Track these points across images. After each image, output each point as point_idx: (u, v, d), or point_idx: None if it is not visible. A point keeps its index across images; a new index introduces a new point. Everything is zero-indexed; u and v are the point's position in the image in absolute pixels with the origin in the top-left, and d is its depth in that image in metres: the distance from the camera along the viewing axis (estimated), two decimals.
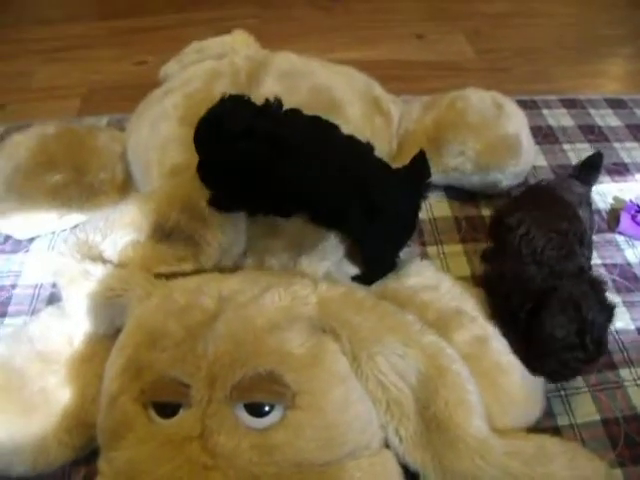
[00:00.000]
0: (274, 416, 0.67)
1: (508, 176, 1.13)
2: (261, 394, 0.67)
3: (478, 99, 1.15)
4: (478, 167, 1.11)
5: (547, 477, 0.75)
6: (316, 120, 0.87)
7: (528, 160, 1.14)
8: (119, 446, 0.69)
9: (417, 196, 0.92)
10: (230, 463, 0.64)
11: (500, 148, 1.10)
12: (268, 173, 0.80)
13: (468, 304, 0.90)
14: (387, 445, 0.77)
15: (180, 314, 0.74)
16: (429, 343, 0.79)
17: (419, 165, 0.92)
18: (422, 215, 1.14)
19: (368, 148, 0.89)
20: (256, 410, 0.67)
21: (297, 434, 0.66)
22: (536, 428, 0.86)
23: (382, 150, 1.11)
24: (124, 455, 0.68)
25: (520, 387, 0.84)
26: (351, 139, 0.89)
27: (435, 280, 0.94)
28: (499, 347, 0.85)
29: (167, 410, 0.69)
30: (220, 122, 0.79)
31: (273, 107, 0.84)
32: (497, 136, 1.11)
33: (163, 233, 0.87)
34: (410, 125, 1.17)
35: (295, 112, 0.86)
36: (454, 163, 1.11)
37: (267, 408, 0.67)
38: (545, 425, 0.89)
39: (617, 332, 1.00)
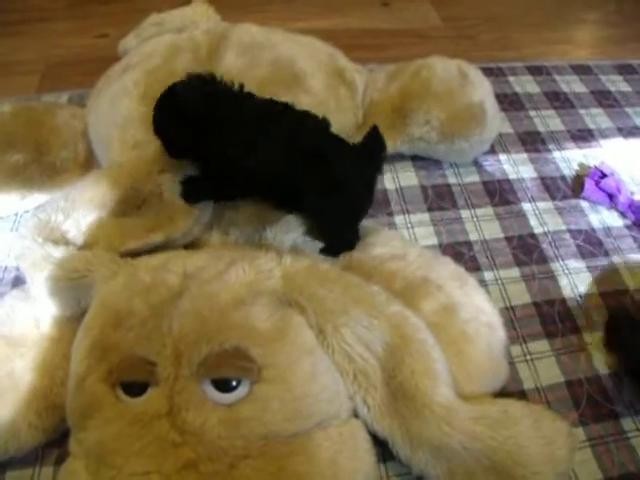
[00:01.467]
0: (241, 391, 0.67)
1: (473, 144, 1.13)
2: (227, 369, 0.68)
3: (443, 68, 1.15)
4: (443, 136, 1.11)
5: (512, 439, 0.77)
6: (269, 102, 0.87)
7: (493, 128, 1.15)
8: (88, 426, 0.70)
9: (374, 170, 0.92)
10: (199, 439, 0.65)
11: (465, 117, 1.10)
12: (219, 158, 0.81)
13: (435, 273, 0.91)
14: (356, 415, 0.78)
15: (145, 293, 0.73)
16: (394, 313, 0.79)
17: (374, 139, 0.92)
18: (389, 185, 1.15)
19: (324, 124, 0.89)
20: (223, 385, 0.67)
21: (264, 407, 0.67)
22: (502, 393, 0.88)
23: (347, 121, 1.10)
24: (94, 435, 0.69)
25: (486, 354, 0.85)
26: (305, 116, 0.88)
27: (402, 249, 0.94)
28: (465, 315, 0.86)
29: (135, 389, 0.69)
30: (175, 104, 0.79)
31: (227, 88, 0.83)
32: (462, 105, 1.11)
33: (130, 205, 0.86)
34: (375, 95, 1.16)
35: (249, 94, 0.86)
36: (419, 132, 1.11)
37: (234, 383, 0.67)
38: (511, 389, 0.91)
39: (581, 297, 1.02)
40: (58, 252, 0.81)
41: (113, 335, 0.71)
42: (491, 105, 1.14)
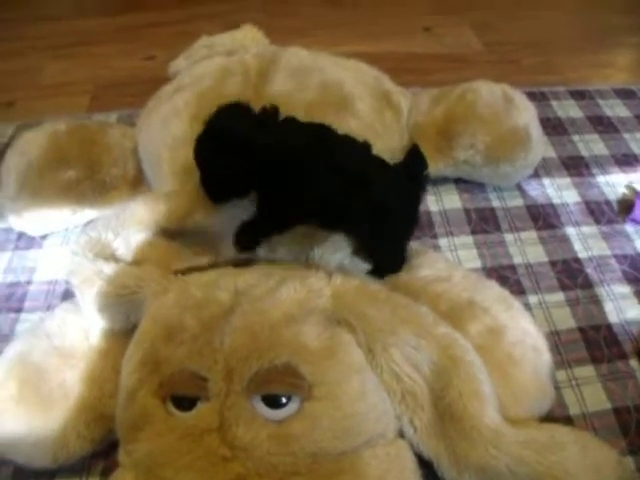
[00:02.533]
0: (291, 407, 0.68)
1: (518, 168, 1.14)
2: (278, 386, 0.68)
3: (488, 91, 1.15)
4: (488, 159, 1.11)
5: (559, 465, 0.75)
6: (312, 126, 0.87)
7: (538, 152, 1.15)
8: (138, 438, 0.71)
9: (418, 189, 0.93)
10: (248, 454, 0.66)
11: (510, 140, 1.11)
12: (270, 186, 0.81)
13: (480, 295, 0.91)
14: (401, 435, 0.78)
15: (196, 308, 0.75)
16: (442, 334, 0.79)
17: (415, 158, 0.92)
18: (432, 207, 1.15)
19: (365, 147, 0.89)
20: (273, 402, 0.68)
21: (314, 425, 0.67)
22: (548, 418, 0.87)
23: (394, 144, 1.11)
24: (144, 447, 0.70)
25: (532, 378, 0.85)
26: (347, 139, 0.88)
27: (447, 271, 0.94)
28: (511, 338, 0.86)
29: (185, 403, 0.70)
30: (219, 136, 0.80)
31: (271, 116, 0.84)
32: (507, 128, 1.11)
33: (176, 231, 0.88)
34: (420, 118, 1.17)
35: (291, 120, 0.87)
36: (464, 156, 1.12)
37: (284, 400, 0.68)
38: (557, 415, 0.90)
39: (627, 322, 1.01)
40: (109, 268, 0.83)
41: (164, 349, 0.72)
42: (536, 129, 1.14)
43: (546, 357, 0.88)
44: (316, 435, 0.67)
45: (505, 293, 0.94)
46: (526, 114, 1.14)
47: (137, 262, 0.86)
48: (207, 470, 0.66)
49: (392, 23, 1.70)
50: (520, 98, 1.16)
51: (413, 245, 1.01)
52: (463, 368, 0.78)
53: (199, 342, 0.71)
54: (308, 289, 0.77)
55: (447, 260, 1.00)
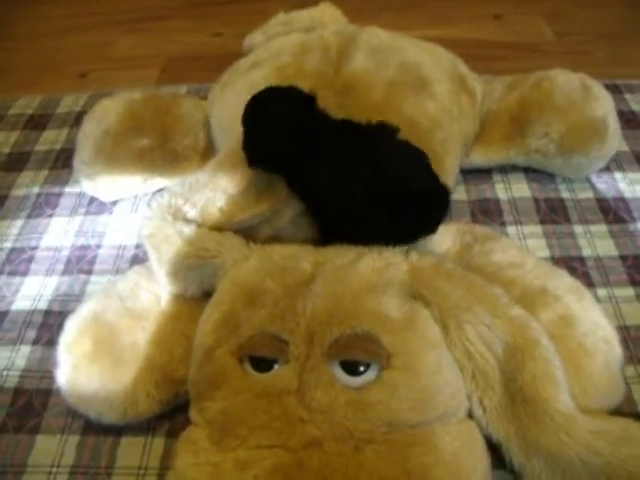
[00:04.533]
0: (369, 375, 0.68)
1: (592, 160, 1.12)
2: (358, 352, 0.69)
3: (565, 80, 1.13)
4: (562, 150, 1.10)
5: (634, 459, 0.74)
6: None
7: (613, 145, 1.13)
8: (213, 396, 0.72)
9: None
10: (325, 417, 0.66)
11: (586, 131, 1.09)
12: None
13: (552, 283, 0.90)
14: (471, 416, 0.78)
15: (278, 274, 0.76)
16: (517, 316, 0.79)
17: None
18: (501, 195, 1.14)
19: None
20: (352, 368, 0.68)
21: (391, 393, 0.68)
22: (617, 413, 0.85)
23: (469, 128, 1.11)
24: (219, 405, 0.71)
25: (603, 370, 0.83)
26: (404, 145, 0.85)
27: (519, 258, 0.93)
28: (583, 329, 0.85)
29: (264, 365, 0.71)
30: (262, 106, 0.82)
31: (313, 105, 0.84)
32: (584, 119, 1.09)
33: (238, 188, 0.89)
34: (493, 105, 1.16)
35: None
36: (537, 144, 1.10)
37: (362, 368, 0.68)
38: (626, 411, 0.88)
39: None
40: (190, 229, 0.84)
41: (245, 311, 0.73)
42: (613, 121, 1.11)
43: (617, 351, 0.87)
44: (393, 404, 0.68)
45: (577, 283, 0.93)
46: (604, 105, 1.11)
47: (206, 221, 0.87)
48: (283, 431, 0.66)
49: (462, 8, 1.68)
50: (598, 88, 1.14)
51: (486, 231, 1.00)
52: (538, 351, 0.77)
53: (281, 305, 0.72)
54: (386, 262, 0.78)
55: (519, 247, 0.99)
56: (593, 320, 0.88)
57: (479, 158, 1.13)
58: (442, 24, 1.62)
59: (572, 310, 0.87)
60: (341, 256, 0.79)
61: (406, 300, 0.74)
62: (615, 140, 1.13)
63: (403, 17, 1.64)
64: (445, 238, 0.97)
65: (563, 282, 0.92)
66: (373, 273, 0.75)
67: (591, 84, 1.14)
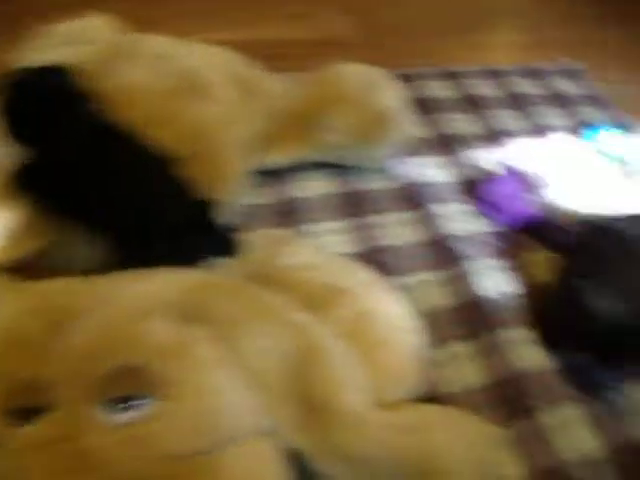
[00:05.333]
0: (142, 409, 0.63)
1: (384, 149, 1.13)
2: (127, 388, 0.63)
3: (352, 73, 1.14)
4: (354, 142, 1.10)
5: (427, 446, 0.75)
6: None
7: (403, 132, 1.14)
8: None
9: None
10: (98, 463, 0.60)
11: (375, 121, 1.09)
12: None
13: (346, 280, 0.89)
14: (266, 431, 0.74)
15: (39, 311, 0.68)
16: (298, 323, 0.77)
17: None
18: (299, 193, 1.12)
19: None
20: (123, 404, 0.62)
21: (167, 426, 0.62)
22: (424, 398, 0.85)
23: (256, 130, 1.07)
24: None
25: (401, 360, 0.83)
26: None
27: (312, 258, 0.91)
28: (379, 322, 0.84)
29: (27, 415, 0.63)
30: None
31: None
32: (371, 109, 1.09)
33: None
34: (285, 103, 1.14)
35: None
36: (330, 139, 1.09)
37: (135, 401, 0.63)
38: (435, 394, 0.89)
39: (500, 294, 1.02)
40: None
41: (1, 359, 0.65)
42: (400, 109, 1.13)
43: (416, 339, 0.87)
44: (170, 436, 0.62)
45: (372, 276, 0.92)
46: (391, 95, 1.13)
47: None
48: None
49: (259, 9, 1.66)
50: (385, 79, 1.15)
51: (278, 232, 0.97)
52: (320, 355, 0.75)
53: (41, 346, 0.65)
54: (157, 286, 0.72)
55: (312, 246, 0.97)
56: (389, 312, 0.88)
57: (275, 158, 1.11)
58: (240, 26, 1.58)
59: (367, 305, 0.86)
60: (108, 284, 0.73)
61: (178, 323, 0.69)
62: (405, 128, 1.15)
63: (200, 23, 1.58)
64: (239, 246, 0.94)
65: (358, 277, 0.91)
66: (141, 300, 0.70)
67: (378, 75, 1.15)
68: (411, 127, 1.18)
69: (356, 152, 1.12)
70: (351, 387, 0.75)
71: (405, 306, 0.90)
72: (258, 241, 0.94)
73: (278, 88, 1.16)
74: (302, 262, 0.90)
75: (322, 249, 0.99)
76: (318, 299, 0.85)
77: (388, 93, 1.13)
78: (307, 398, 0.73)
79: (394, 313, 0.88)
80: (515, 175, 1.13)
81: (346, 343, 0.81)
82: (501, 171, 1.13)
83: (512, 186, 1.12)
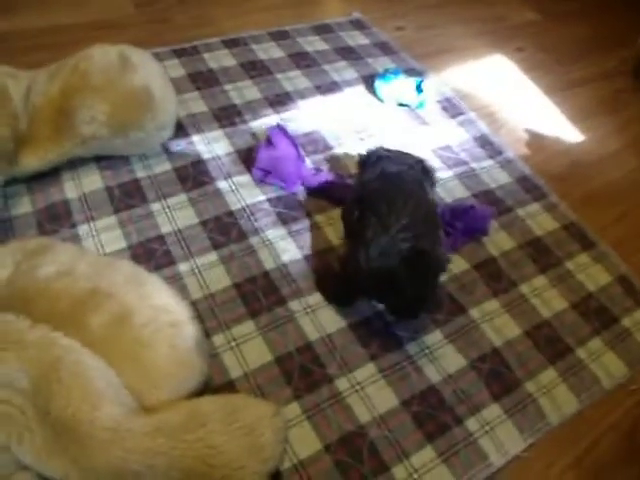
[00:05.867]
0: None
1: (150, 132, 1.06)
2: None
3: (101, 56, 1.05)
4: (114, 129, 1.02)
5: (200, 442, 0.71)
6: None
7: (167, 111, 1.07)
8: None
9: None
10: None
11: (130, 105, 1.02)
12: None
13: (106, 281, 0.82)
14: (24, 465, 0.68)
15: None
16: (37, 340, 0.70)
17: None
18: (70, 194, 1.05)
19: None
20: None
21: None
22: (208, 388, 0.82)
23: (4, 134, 0.97)
24: None
25: (168, 357, 0.78)
26: None
27: (70, 264, 0.84)
28: (140, 320, 0.78)
29: None
30: None
31: None
32: (124, 92, 1.02)
33: None
34: (38, 99, 1.04)
35: None
36: (89, 131, 1.01)
37: None
38: (218, 382, 0.85)
39: (284, 265, 0.98)
40: None
41: None
42: (159, 87, 1.06)
43: (188, 330, 0.82)
44: None
45: (137, 271, 0.86)
46: (145, 73, 1.05)
47: None
48: None
49: None
50: (139, 57, 1.07)
51: (38, 241, 0.89)
52: (66, 371, 0.69)
53: None
54: None
55: (74, 250, 0.88)
56: (154, 307, 0.81)
57: (32, 162, 1.02)
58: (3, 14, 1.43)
59: (127, 304, 0.80)
60: None
61: None
62: (168, 106, 1.08)
63: None
64: None
65: (120, 275, 0.84)
66: None
67: (130, 54, 1.07)
68: (176, 105, 1.11)
69: (122, 141, 1.03)
70: (107, 399, 0.69)
71: (176, 297, 0.84)
72: (12, 255, 0.85)
73: (33, 83, 1.05)
74: (61, 270, 0.82)
75: (83, 251, 0.91)
76: (73, 308, 0.79)
77: (142, 72, 1.05)
78: (58, 420, 0.67)
79: (163, 308, 0.82)
80: (288, 138, 1.09)
81: (103, 350, 0.75)
82: (275, 136, 1.08)
83: (286, 151, 1.08)
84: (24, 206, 1.01)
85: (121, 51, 1.07)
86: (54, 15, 1.48)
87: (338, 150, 1.20)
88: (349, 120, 1.28)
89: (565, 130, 1.41)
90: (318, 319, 0.93)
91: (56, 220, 0.99)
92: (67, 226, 0.99)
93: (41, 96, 1.04)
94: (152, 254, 0.96)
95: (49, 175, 1.05)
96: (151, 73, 1.07)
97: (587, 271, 1.09)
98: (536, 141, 1.36)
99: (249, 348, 0.89)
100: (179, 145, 1.14)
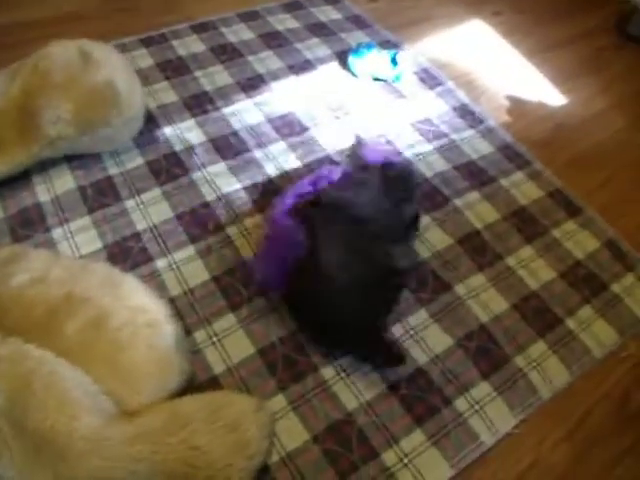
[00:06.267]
0: None
1: (118, 127, 1.03)
2: None
3: (61, 53, 1.02)
4: (80, 128, 1.00)
5: (183, 443, 0.70)
6: None
7: (133, 104, 1.05)
8: None
9: None
10: None
11: (94, 101, 1.00)
12: None
13: (81, 285, 0.81)
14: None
15: None
16: (8, 354, 0.69)
17: None
18: (43, 197, 1.02)
19: None
20: None
21: None
22: (193, 386, 0.81)
23: None
24: None
25: (147, 358, 0.77)
26: None
27: (43, 270, 0.82)
28: (116, 323, 0.77)
29: None
30: None
31: None
32: (88, 89, 1.00)
33: None
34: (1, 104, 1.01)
35: None
36: (55, 131, 0.99)
37: None
38: (202, 379, 0.84)
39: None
40: None
41: None
42: (124, 81, 1.03)
43: (166, 329, 0.81)
44: None
45: (114, 273, 0.85)
46: (107, 68, 1.02)
47: None
48: None
49: None
50: (100, 51, 1.05)
51: (13, 249, 0.87)
52: (40, 383, 0.68)
53: None
54: None
55: (47, 256, 0.86)
56: (131, 308, 0.80)
57: (0, 167, 0.98)
58: None
59: (103, 307, 0.79)
60: None
61: None
62: (134, 99, 1.05)
63: None
64: None
65: (95, 278, 0.83)
66: None
67: (91, 49, 1.04)
68: (143, 97, 1.08)
69: (90, 138, 1.01)
70: (84, 409, 0.68)
71: (153, 296, 0.83)
72: None
73: None
74: (35, 277, 0.81)
75: (56, 255, 0.89)
76: (48, 315, 0.77)
77: (104, 67, 1.03)
78: (35, 434, 0.66)
79: (139, 308, 0.81)
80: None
81: (80, 356, 0.74)
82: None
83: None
84: None
85: (81, 46, 1.05)
86: (16, 11, 1.43)
87: (314, 130, 1.17)
88: (324, 99, 1.25)
89: (547, 94, 1.38)
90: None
91: (29, 225, 0.97)
92: (41, 230, 0.97)
93: (1, 98, 1.01)
94: (128, 253, 0.94)
95: (19, 179, 1.03)
96: (114, 67, 1.04)
97: (574, 238, 1.07)
98: (517, 107, 1.33)
99: (231, 342, 0.87)
100: (150, 138, 1.12)
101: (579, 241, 1.06)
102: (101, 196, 1.02)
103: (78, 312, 0.78)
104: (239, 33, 1.39)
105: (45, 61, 1.02)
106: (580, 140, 1.27)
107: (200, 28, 1.39)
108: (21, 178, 1.03)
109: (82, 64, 1.01)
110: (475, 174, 1.14)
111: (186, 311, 0.89)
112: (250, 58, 1.32)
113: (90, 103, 1.00)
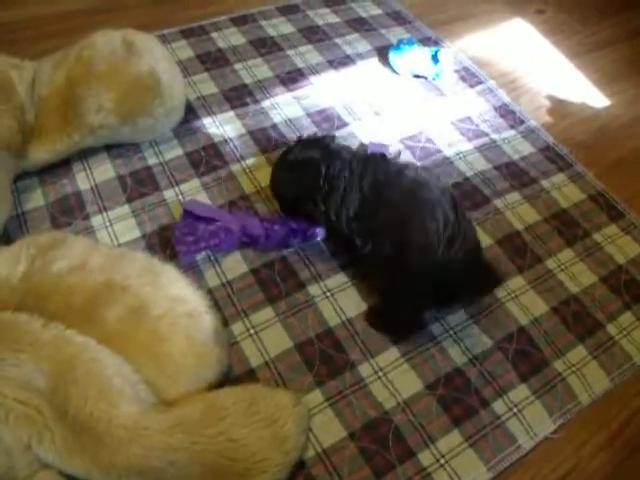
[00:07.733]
0: None
1: (160, 117, 1.03)
2: None
3: (104, 43, 1.02)
4: (123, 118, 1.00)
5: (221, 435, 0.70)
6: None
7: (175, 94, 1.05)
8: None
9: None
10: None
11: (137, 91, 1.00)
12: None
13: (120, 274, 0.81)
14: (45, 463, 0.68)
15: None
16: (51, 339, 0.70)
17: None
18: (83, 185, 1.03)
19: None
20: None
21: None
22: (229, 378, 0.81)
23: (11, 127, 0.95)
24: None
25: (186, 349, 0.77)
26: None
27: (82, 258, 0.82)
28: (157, 312, 0.77)
29: None
30: None
31: None
32: (130, 79, 1.00)
33: None
34: (43, 90, 1.02)
35: None
36: (97, 120, 0.99)
37: None
38: (239, 372, 0.84)
39: (302, 248, 0.96)
40: None
41: None
42: (166, 71, 1.03)
43: (205, 319, 0.80)
44: None
45: (152, 262, 0.85)
46: (149, 57, 1.02)
47: None
48: None
49: None
50: (143, 41, 1.05)
51: (51, 235, 0.87)
52: (82, 370, 0.68)
53: None
54: None
55: (86, 243, 0.87)
56: (170, 298, 0.80)
57: (42, 155, 1.00)
58: (9, 5, 1.41)
59: (143, 296, 0.79)
60: None
61: None
62: (175, 89, 1.05)
63: None
64: (10, 260, 0.83)
65: (134, 267, 0.83)
66: None
67: (134, 39, 1.04)
68: (184, 88, 1.09)
69: (131, 128, 1.02)
70: (124, 397, 0.69)
71: (192, 286, 0.83)
72: (27, 251, 0.84)
73: (38, 74, 1.03)
74: (75, 264, 0.81)
75: (95, 243, 0.90)
76: (88, 303, 0.78)
77: (146, 57, 1.03)
78: (76, 419, 0.66)
79: (179, 298, 0.81)
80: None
81: (120, 344, 0.74)
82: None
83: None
84: (36, 200, 1.00)
85: (125, 36, 1.05)
86: (59, 2, 1.44)
87: (354, 125, 1.16)
88: (364, 94, 1.24)
89: (590, 95, 1.35)
90: (338, 303, 0.91)
91: (69, 212, 0.98)
92: (80, 218, 0.98)
93: (46, 87, 1.02)
94: (167, 243, 0.94)
95: (60, 167, 1.04)
96: (156, 57, 1.04)
97: (616, 243, 1.04)
98: (559, 108, 1.30)
99: (269, 335, 0.87)
100: (190, 129, 1.12)
101: (621, 246, 1.04)
102: (140, 186, 1.03)
103: (118, 300, 0.78)
104: (279, 27, 1.39)
105: (89, 50, 1.02)
106: (624, 143, 1.25)
107: (240, 21, 1.39)
108: (62, 165, 1.04)
109: (125, 54, 1.02)
110: (516, 175, 1.13)
111: (224, 303, 0.89)
112: (290, 52, 1.32)
113: (132, 93, 1.00)
